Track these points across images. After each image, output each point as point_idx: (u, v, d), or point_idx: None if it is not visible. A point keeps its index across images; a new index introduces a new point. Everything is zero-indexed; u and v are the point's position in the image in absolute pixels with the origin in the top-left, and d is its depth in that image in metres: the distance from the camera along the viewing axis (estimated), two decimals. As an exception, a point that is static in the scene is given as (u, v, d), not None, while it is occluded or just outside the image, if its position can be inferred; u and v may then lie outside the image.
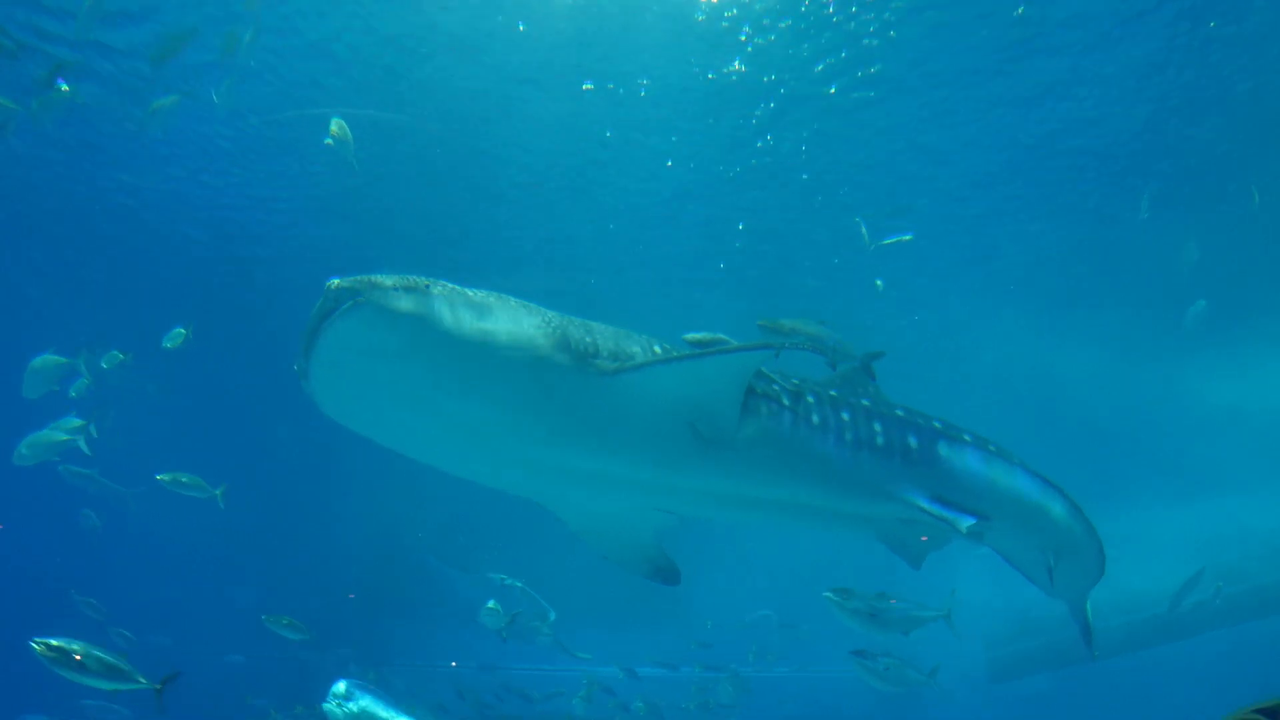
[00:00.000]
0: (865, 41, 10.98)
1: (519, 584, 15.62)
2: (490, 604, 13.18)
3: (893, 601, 7.91)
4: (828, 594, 7.71)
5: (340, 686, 9.81)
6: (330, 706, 9.73)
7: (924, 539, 6.81)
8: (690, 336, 5.96)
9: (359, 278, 4.96)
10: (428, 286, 5.05)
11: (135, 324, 14.04)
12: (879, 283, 12.85)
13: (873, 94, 11.81)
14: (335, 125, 9.53)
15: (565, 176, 13.40)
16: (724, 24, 10.75)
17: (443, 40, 11.07)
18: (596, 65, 11.40)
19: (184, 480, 10.79)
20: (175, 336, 11.97)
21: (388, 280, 4.98)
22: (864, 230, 12.29)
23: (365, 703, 9.74)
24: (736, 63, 11.30)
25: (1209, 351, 17.67)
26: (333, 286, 4.95)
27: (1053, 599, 7.77)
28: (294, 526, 23.30)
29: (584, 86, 11.63)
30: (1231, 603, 23.49)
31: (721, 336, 5.91)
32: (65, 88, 10.25)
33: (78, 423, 11.71)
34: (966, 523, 6.25)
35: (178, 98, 10.80)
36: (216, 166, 13.45)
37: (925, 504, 6.26)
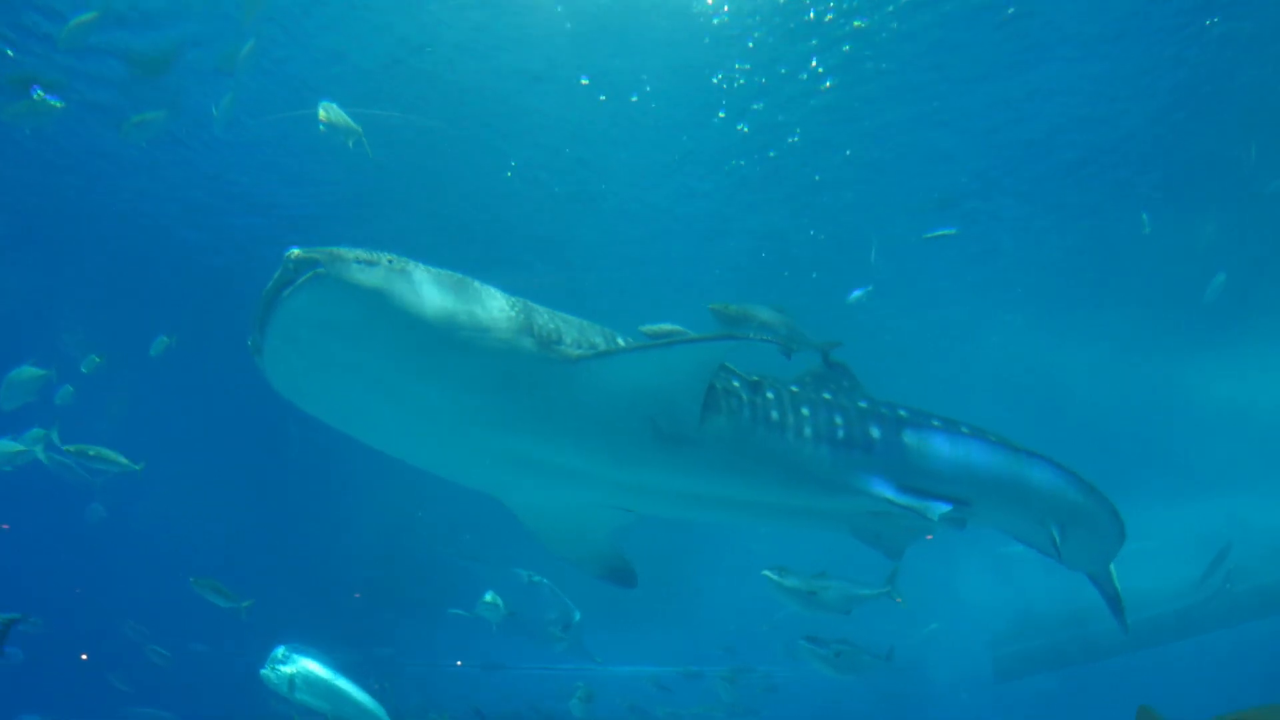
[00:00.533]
0: (865, 36, 10.99)
1: (545, 581, 15.39)
2: (488, 596, 12.88)
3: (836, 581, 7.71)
4: (766, 572, 7.48)
5: (279, 651, 9.77)
6: (266, 671, 9.68)
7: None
8: (647, 328, 5.85)
9: (319, 248, 4.76)
10: (390, 261, 4.88)
11: (144, 327, 14.05)
12: (859, 293, 12.83)
13: (874, 89, 11.82)
14: (323, 109, 9.13)
15: (568, 175, 13.42)
16: (724, 21, 10.77)
17: (448, 39, 11.10)
18: (599, 64, 11.42)
19: (91, 453, 10.15)
20: (159, 345, 12.02)
21: (349, 253, 4.80)
22: (874, 250, 12.19)
23: (303, 665, 9.70)
24: (737, 63, 11.33)
25: (1212, 350, 17.67)
26: (291, 256, 4.74)
27: (1072, 571, 7.46)
28: (306, 528, 23.32)
29: (581, 81, 11.63)
30: (1235, 601, 23.50)
31: (680, 329, 5.81)
32: (58, 104, 10.19)
33: (41, 432, 11.53)
34: (939, 510, 6.06)
35: (164, 114, 10.68)
36: (222, 168, 13.49)
37: (892, 495, 6.08)
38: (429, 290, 4.90)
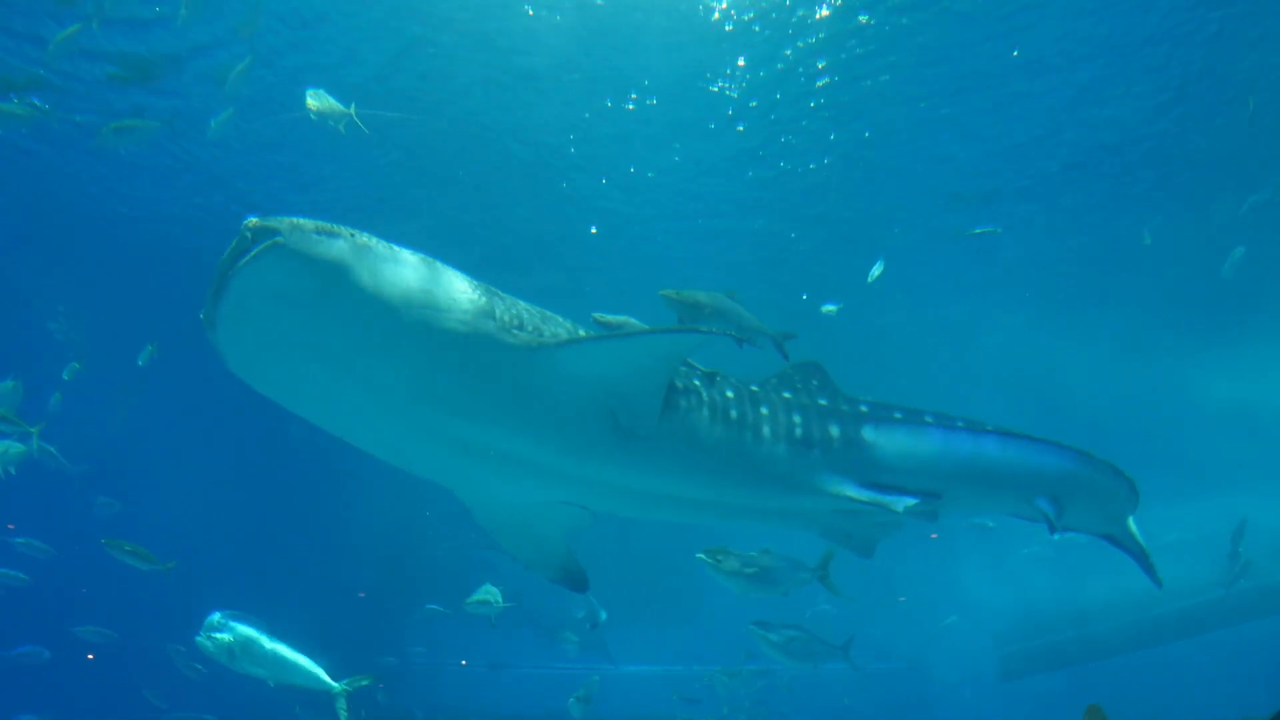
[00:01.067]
0: (866, 37, 11.00)
1: None
2: (477, 594, 12.41)
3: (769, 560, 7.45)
4: (700, 555, 7.32)
5: (214, 618, 9.58)
6: (201, 639, 9.50)
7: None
8: (599, 316, 5.70)
9: (279, 217, 4.61)
10: (352, 235, 4.74)
11: (148, 327, 14.10)
12: (831, 307, 12.85)
13: (875, 90, 11.82)
14: (311, 98, 9.01)
15: (570, 176, 13.44)
16: (725, 20, 10.78)
17: (450, 40, 11.12)
18: (600, 64, 11.44)
19: None
20: (146, 354, 12.16)
21: (310, 223, 4.66)
22: (877, 271, 12.11)
23: (239, 632, 9.49)
24: (740, 58, 11.33)
25: (1215, 349, 17.65)
26: (250, 225, 4.58)
27: (1089, 535, 7.25)
28: (314, 525, 23.27)
29: (606, 103, 11.70)
30: (1240, 600, 23.44)
31: (631, 320, 5.69)
32: (45, 106, 10.20)
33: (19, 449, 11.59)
34: (903, 504, 5.98)
35: (151, 123, 10.67)
36: (224, 170, 13.52)
37: (853, 492, 6.00)
38: (390, 266, 4.78)
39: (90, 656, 21.78)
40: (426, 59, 11.37)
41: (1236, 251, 13.71)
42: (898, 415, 6.37)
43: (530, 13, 10.63)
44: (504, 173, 13.38)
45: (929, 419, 6.41)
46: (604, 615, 15.72)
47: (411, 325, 4.80)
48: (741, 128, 12.40)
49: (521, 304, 5.33)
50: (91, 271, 15.72)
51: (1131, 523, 7.19)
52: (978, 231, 13.31)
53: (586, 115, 12.23)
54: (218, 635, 9.49)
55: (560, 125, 12.46)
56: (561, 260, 15.15)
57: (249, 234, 4.56)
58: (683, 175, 13.35)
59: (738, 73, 11.46)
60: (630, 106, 12.03)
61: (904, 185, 13.55)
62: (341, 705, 9.92)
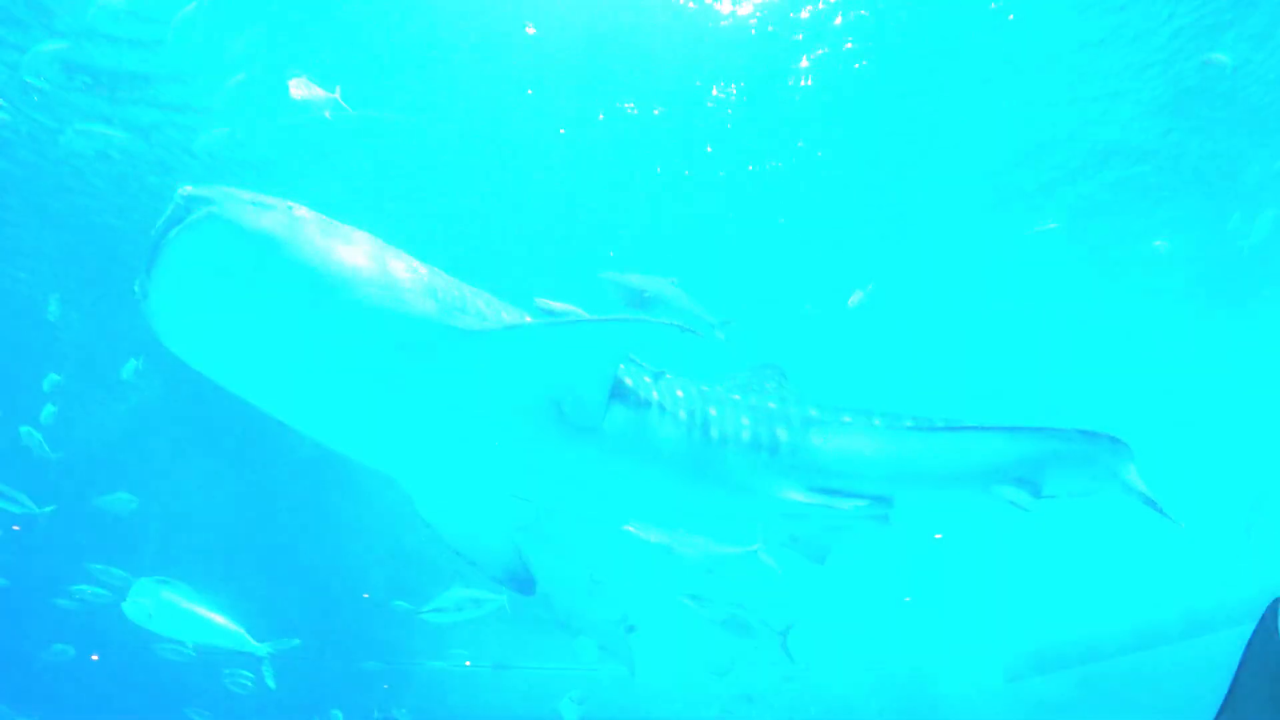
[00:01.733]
0: (868, 41, 11.02)
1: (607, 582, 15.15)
2: (444, 600, 11.36)
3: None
4: (628, 526, 7.33)
5: (140, 583, 9.52)
6: (126, 605, 9.46)
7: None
8: (543, 301, 5.65)
9: (214, 186, 4.53)
10: (289, 207, 4.66)
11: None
12: (809, 306, 12.91)
13: (878, 92, 11.85)
14: (294, 86, 8.83)
15: (571, 179, 13.46)
16: (725, 25, 10.80)
17: (454, 42, 11.13)
18: (603, 70, 11.45)
19: None
20: (129, 368, 12.31)
21: (245, 193, 4.58)
22: (868, 290, 12.09)
23: (163, 597, 9.43)
24: (742, 62, 11.35)
25: (1213, 347, 17.65)
26: (183, 193, 4.48)
27: (1093, 498, 6.92)
28: (313, 526, 23.27)
29: (599, 116, 11.79)
30: (1243, 601, 23.43)
31: (577, 309, 5.63)
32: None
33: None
34: (849, 504, 5.97)
35: (121, 132, 10.67)
36: (224, 168, 13.52)
37: (798, 495, 5.95)
38: (328, 240, 4.69)
39: (94, 657, 21.77)
40: (428, 61, 11.38)
41: (1265, 216, 13.25)
42: (846, 418, 6.27)
43: (537, 18, 10.66)
44: (503, 174, 13.39)
45: (877, 421, 6.30)
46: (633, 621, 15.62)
47: (347, 301, 4.70)
48: (744, 128, 12.41)
49: (468, 287, 5.24)
50: (90, 261, 15.68)
51: (1132, 473, 6.86)
52: (1036, 230, 13.26)
53: (587, 119, 12.24)
54: (138, 600, 9.42)
55: (560, 126, 12.47)
56: (560, 262, 15.16)
57: (182, 203, 4.48)
58: (682, 177, 13.34)
59: (738, 75, 11.48)
60: (634, 110, 12.06)
61: (906, 186, 13.55)
62: (267, 668, 9.89)
